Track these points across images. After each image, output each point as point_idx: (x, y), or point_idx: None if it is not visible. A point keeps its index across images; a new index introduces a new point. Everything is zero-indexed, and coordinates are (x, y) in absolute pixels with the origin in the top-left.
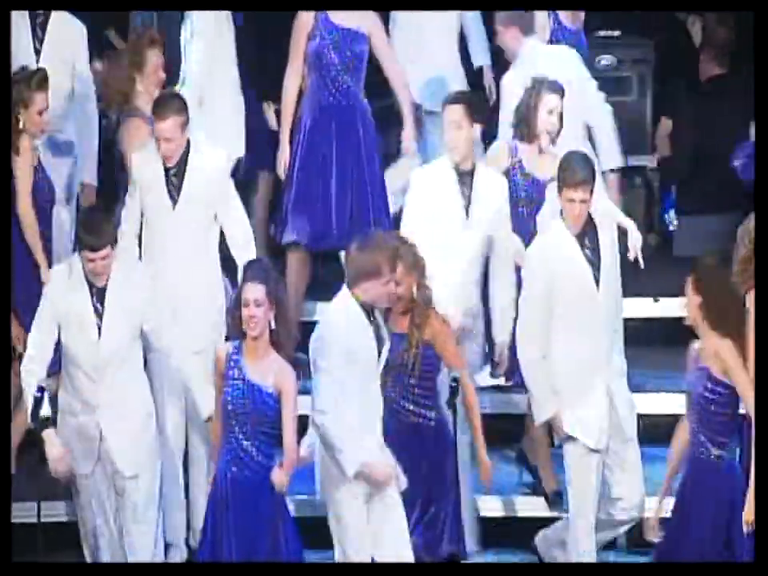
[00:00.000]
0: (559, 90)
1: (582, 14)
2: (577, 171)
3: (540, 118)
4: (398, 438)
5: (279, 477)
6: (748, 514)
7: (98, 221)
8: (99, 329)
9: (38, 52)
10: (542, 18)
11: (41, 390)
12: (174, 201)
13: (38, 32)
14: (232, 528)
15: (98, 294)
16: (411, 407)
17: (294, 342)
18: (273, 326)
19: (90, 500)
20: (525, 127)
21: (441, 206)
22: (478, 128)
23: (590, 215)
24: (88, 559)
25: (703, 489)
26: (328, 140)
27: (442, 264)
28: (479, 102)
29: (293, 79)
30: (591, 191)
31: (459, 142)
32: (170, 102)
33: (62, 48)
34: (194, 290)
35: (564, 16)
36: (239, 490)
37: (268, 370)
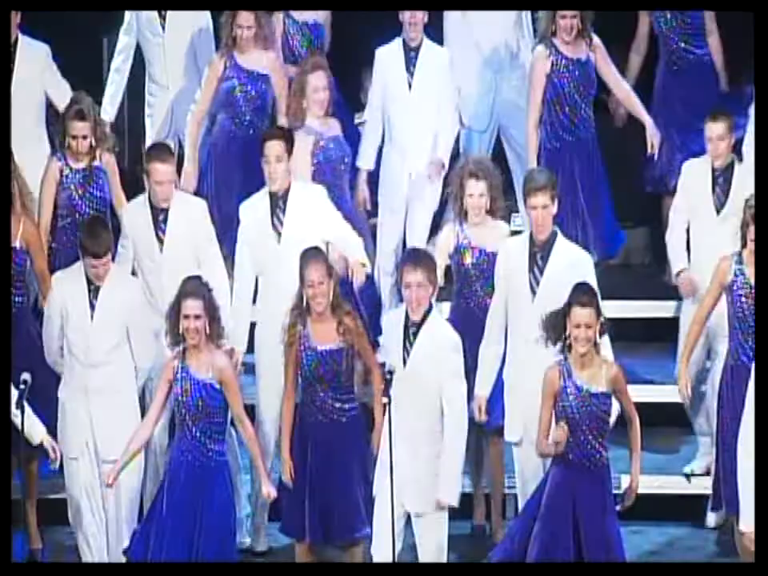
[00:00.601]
0: (482, 173)
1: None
2: (535, 178)
3: (466, 200)
4: (318, 432)
5: (266, 489)
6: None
7: (99, 231)
8: (92, 318)
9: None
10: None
11: (24, 382)
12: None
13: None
14: (180, 510)
15: (95, 291)
16: (338, 405)
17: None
18: (207, 332)
19: (79, 488)
20: (457, 208)
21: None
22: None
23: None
24: (84, 556)
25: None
26: (235, 165)
27: None
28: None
29: (198, 115)
30: (552, 198)
31: (278, 174)
32: (166, 147)
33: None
34: None
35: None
36: (192, 475)
37: (208, 367)
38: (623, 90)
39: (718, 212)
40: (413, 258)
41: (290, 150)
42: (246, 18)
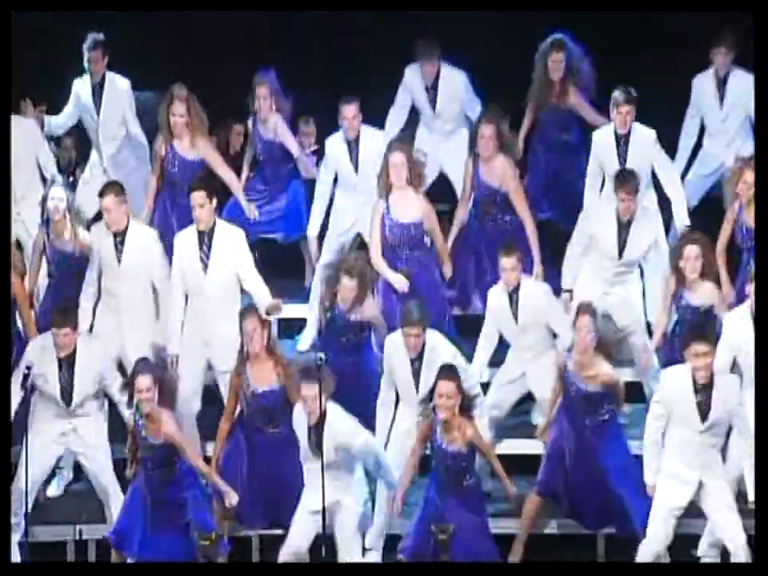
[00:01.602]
0: (404, 148)
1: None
2: (507, 245)
3: (389, 173)
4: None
5: (227, 499)
6: None
7: (65, 307)
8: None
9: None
10: None
11: (28, 368)
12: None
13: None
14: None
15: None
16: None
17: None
18: (156, 400)
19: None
20: (383, 183)
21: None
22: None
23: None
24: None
25: None
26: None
27: None
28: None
29: (152, 189)
30: (519, 260)
31: (203, 216)
32: (111, 184)
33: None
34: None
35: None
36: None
37: (159, 431)
38: None
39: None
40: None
41: (211, 197)
42: (178, 107)
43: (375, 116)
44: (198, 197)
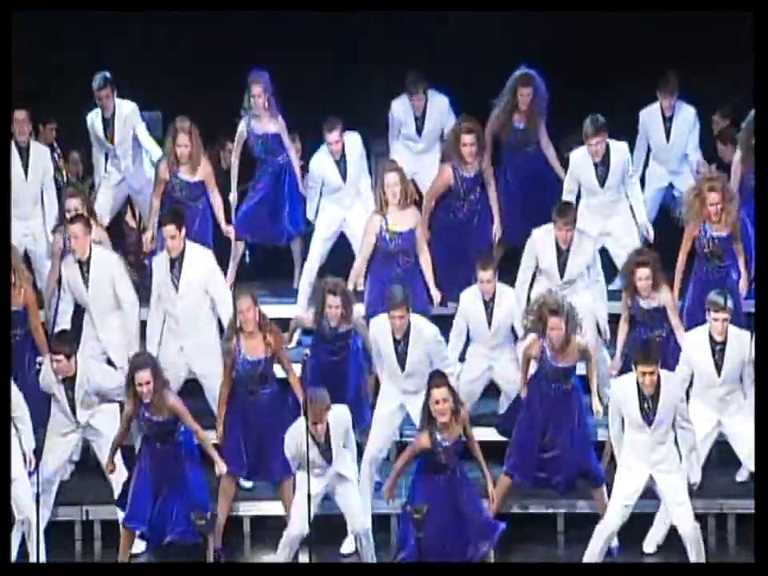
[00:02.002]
0: (398, 169)
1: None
2: (484, 258)
3: (385, 192)
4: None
5: (218, 468)
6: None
7: (60, 333)
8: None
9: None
10: None
11: (39, 363)
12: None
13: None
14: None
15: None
16: (260, 389)
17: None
18: (154, 389)
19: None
20: (379, 198)
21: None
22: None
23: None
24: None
25: None
26: None
27: None
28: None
29: (155, 209)
30: (493, 271)
31: (173, 246)
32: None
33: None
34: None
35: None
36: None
37: (161, 412)
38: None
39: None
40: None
41: (180, 228)
42: (183, 138)
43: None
44: (170, 230)
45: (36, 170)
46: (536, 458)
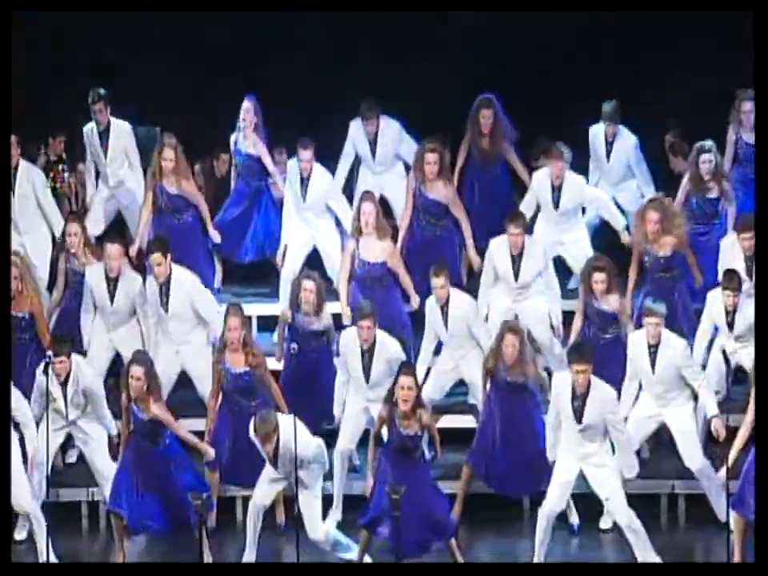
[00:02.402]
0: (373, 198)
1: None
2: (436, 267)
3: (360, 219)
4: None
5: (207, 455)
6: None
7: (61, 337)
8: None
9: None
10: None
11: (49, 357)
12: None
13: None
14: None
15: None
16: (245, 402)
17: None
18: (146, 386)
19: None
20: (354, 226)
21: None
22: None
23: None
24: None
25: None
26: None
27: None
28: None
29: (144, 218)
30: (446, 277)
31: (160, 272)
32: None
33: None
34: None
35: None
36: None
37: (149, 412)
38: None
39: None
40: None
41: (165, 255)
42: (168, 153)
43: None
44: (156, 257)
45: (24, 187)
46: (492, 456)
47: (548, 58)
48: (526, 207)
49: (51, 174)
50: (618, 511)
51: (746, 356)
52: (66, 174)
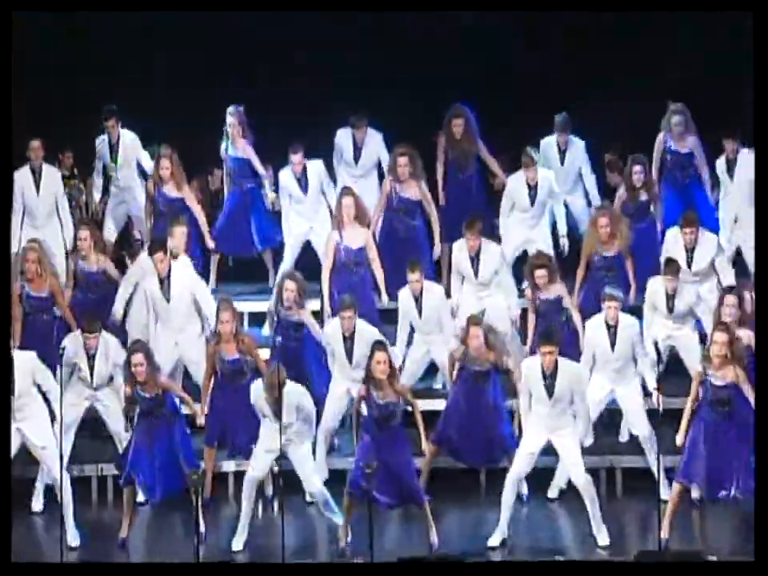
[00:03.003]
0: (353, 193)
1: None
2: (412, 262)
3: (341, 212)
4: (229, 388)
5: (199, 419)
6: None
7: (91, 317)
8: (92, 372)
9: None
10: None
11: (63, 348)
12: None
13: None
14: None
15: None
16: (238, 378)
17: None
18: (148, 370)
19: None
20: (336, 218)
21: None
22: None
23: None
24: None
25: None
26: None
27: None
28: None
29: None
30: (420, 272)
31: (161, 267)
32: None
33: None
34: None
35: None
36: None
37: (152, 390)
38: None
39: None
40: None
41: (166, 254)
42: (165, 162)
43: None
44: (159, 257)
45: (47, 188)
46: (456, 436)
47: (509, 71)
48: (504, 211)
49: (66, 189)
50: (579, 474)
51: (682, 338)
52: (80, 187)
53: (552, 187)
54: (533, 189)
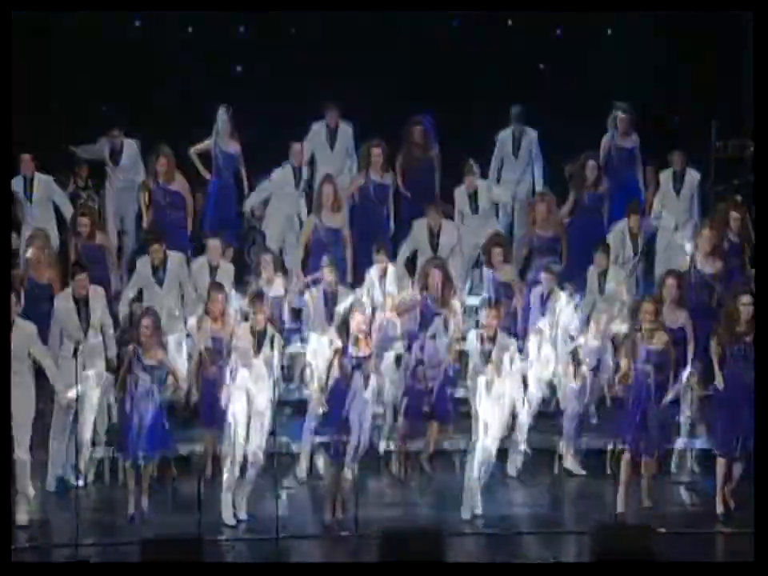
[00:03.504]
0: (333, 181)
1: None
2: (378, 245)
3: (321, 198)
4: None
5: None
6: None
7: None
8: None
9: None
10: None
11: (77, 342)
12: None
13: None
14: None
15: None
16: None
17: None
18: (153, 337)
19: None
20: (316, 204)
21: None
22: None
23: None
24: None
25: None
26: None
27: None
28: None
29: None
30: (385, 253)
31: (156, 256)
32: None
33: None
34: None
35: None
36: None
37: (153, 357)
38: None
39: None
40: None
41: (161, 245)
42: (163, 160)
43: None
44: (155, 248)
45: (41, 192)
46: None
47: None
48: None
49: (80, 201)
50: (521, 431)
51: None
52: (93, 197)
53: (490, 195)
54: (472, 198)
